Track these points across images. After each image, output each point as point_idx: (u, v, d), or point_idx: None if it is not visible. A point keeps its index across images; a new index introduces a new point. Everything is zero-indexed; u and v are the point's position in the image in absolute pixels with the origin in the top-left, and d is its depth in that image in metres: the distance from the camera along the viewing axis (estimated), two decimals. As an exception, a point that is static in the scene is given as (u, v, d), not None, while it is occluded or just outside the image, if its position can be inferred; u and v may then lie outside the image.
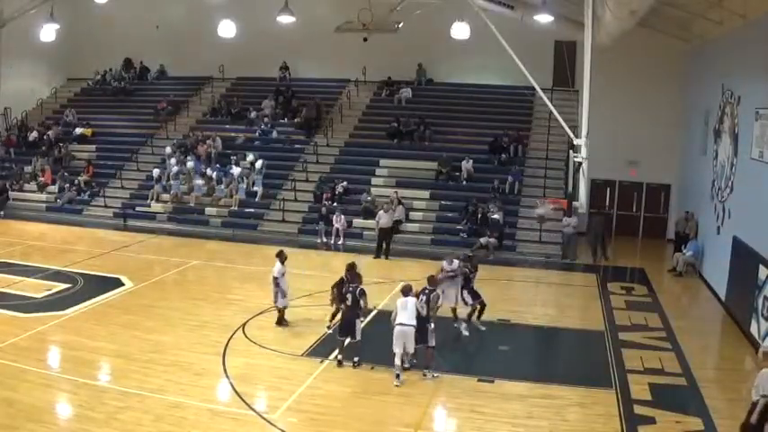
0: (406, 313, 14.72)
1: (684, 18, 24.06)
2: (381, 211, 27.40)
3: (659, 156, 30.19)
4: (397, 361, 14.65)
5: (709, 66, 25.65)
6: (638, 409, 13.78)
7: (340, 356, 15.49)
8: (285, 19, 28.39)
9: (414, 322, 14.69)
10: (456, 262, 18.37)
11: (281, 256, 17.88)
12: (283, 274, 17.74)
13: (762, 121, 18.90)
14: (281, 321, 18.00)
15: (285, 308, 18.01)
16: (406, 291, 15.14)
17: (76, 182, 33.25)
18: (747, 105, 20.36)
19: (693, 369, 15.91)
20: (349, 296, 15.46)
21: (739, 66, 21.45)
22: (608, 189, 31.49)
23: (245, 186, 31.55)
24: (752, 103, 19.83)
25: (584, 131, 21.35)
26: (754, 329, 17.62)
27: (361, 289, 15.60)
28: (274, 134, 34.92)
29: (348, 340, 15.64)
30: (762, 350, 12.20)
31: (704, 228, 25.01)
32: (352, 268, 16.89)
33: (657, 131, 29.74)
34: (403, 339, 14.67)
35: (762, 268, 17.52)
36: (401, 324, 14.66)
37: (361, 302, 15.48)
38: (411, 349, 14.81)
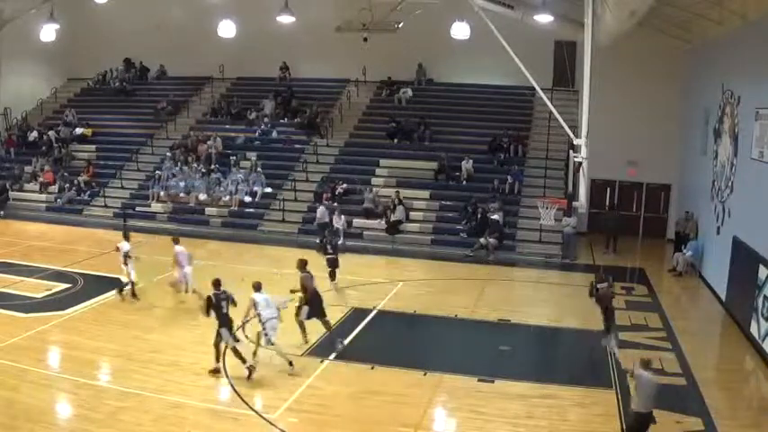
0: (270, 308, 15.16)
1: (684, 18, 24.04)
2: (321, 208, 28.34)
3: (659, 156, 30.12)
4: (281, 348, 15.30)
5: (709, 66, 25.64)
6: (638, 409, 13.78)
7: (249, 364, 14.98)
8: (285, 19, 28.37)
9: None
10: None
11: (127, 237, 20.39)
12: (127, 252, 19.83)
13: (762, 121, 18.89)
14: (134, 295, 19.82)
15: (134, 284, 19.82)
16: (259, 287, 15.39)
17: (76, 182, 33.27)
18: (747, 105, 20.35)
19: (693, 369, 15.93)
20: (224, 303, 15.06)
21: (739, 66, 21.44)
22: (608, 189, 31.45)
23: (244, 188, 31.59)
24: (752, 103, 19.82)
25: (584, 131, 21.28)
26: (754, 329, 17.64)
27: (231, 296, 15.23)
28: (274, 134, 34.93)
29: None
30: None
31: (704, 228, 25.00)
32: (304, 265, 17.41)
33: (657, 131, 29.69)
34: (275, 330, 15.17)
35: (762, 268, 17.53)
36: (274, 318, 15.13)
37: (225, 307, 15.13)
38: (275, 339, 15.20)
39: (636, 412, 11.51)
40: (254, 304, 15.06)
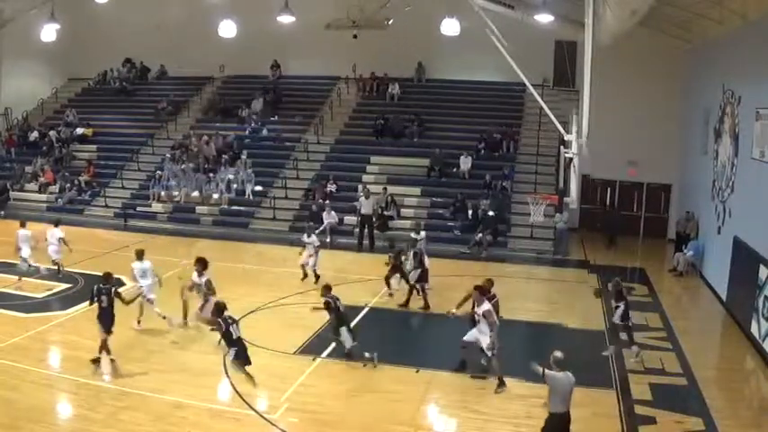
0: (146, 278, 17.49)
1: (685, 18, 24.04)
2: (362, 198, 27.89)
3: (660, 156, 30.10)
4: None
5: (709, 66, 25.64)
6: (638, 409, 13.80)
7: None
8: (285, 19, 28.34)
9: None
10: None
11: (57, 224, 22.56)
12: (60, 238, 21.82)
13: (762, 120, 18.89)
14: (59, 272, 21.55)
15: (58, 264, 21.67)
16: (140, 255, 17.73)
17: (77, 182, 33.27)
18: (748, 105, 20.35)
19: (694, 369, 15.93)
20: (104, 297, 15.08)
21: (740, 66, 21.44)
22: (608, 189, 31.46)
23: (235, 186, 31.71)
24: (752, 103, 19.82)
25: (584, 132, 21.27)
26: (754, 329, 17.63)
27: (114, 289, 15.37)
28: (264, 132, 34.98)
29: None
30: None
31: (705, 228, 24.99)
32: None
33: (658, 131, 29.68)
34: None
35: (762, 268, 17.51)
36: (147, 286, 17.35)
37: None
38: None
39: (552, 414, 11.26)
40: (132, 272, 17.15)
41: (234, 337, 14.11)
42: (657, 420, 13.30)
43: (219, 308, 14.51)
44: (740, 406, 14.66)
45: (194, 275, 17.18)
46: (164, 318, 17.24)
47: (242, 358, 14.04)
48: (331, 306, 15.64)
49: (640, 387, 14.85)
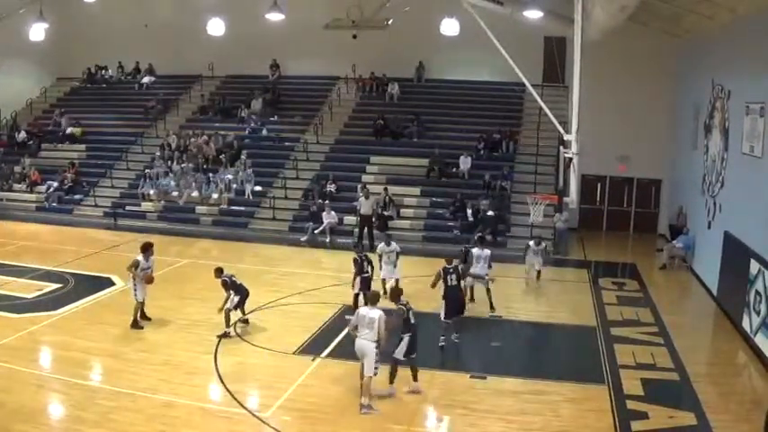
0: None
1: (674, 13, 24.07)
2: (362, 198, 27.83)
3: (650, 151, 30.18)
4: None
5: (699, 61, 25.69)
6: (630, 405, 13.81)
7: None
8: (274, 17, 28.26)
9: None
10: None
11: None
12: None
13: (752, 115, 18.93)
14: None
15: None
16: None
17: (64, 181, 33.11)
18: (737, 100, 20.40)
19: (685, 364, 15.95)
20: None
21: (729, 60, 21.49)
22: (598, 184, 31.51)
23: (234, 186, 31.63)
24: (742, 98, 19.87)
25: (574, 127, 21.29)
26: (746, 324, 17.67)
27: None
28: (264, 132, 34.89)
29: None
30: None
31: (695, 223, 25.05)
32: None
33: (648, 126, 29.73)
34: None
35: (753, 263, 17.54)
36: None
37: None
38: None
39: None
40: None
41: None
42: (649, 415, 13.31)
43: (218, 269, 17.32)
44: (732, 400, 14.68)
45: None
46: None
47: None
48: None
49: (632, 382, 14.87)
